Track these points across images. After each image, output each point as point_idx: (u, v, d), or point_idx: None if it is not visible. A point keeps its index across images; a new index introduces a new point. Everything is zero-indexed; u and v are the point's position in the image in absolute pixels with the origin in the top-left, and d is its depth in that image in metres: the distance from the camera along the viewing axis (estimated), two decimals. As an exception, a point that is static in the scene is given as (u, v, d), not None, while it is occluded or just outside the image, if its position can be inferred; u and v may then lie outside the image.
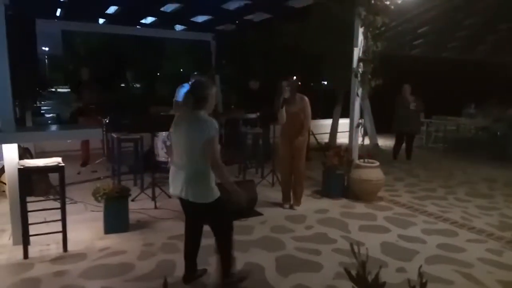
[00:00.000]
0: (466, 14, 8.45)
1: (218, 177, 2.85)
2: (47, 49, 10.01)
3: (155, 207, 4.92)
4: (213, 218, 3.01)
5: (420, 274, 1.73)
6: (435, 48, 11.80)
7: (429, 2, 7.31)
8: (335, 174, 5.59)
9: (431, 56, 12.44)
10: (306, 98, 4.95)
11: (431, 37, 10.40)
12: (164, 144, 6.64)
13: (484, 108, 11.01)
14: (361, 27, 5.43)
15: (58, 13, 7.80)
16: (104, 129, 6.40)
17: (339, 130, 10.00)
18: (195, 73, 5.87)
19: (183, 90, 5.70)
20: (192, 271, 3.17)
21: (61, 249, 3.65)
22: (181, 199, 2.96)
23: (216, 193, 2.89)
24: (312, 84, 13.70)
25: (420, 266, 1.99)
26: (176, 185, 2.93)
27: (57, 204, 3.73)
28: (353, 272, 1.77)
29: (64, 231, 3.64)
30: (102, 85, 7.14)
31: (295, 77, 5.28)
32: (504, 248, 3.99)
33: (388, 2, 5.24)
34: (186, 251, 3.16)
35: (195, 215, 3.07)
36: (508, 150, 8.61)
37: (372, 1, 5.24)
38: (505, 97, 10.49)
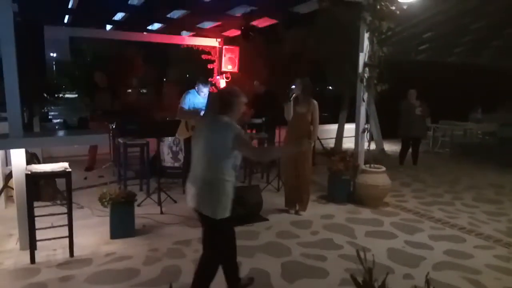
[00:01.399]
0: (472, 19, 8.43)
1: (270, 158, 2.76)
2: (55, 55, 10.10)
3: (161, 212, 4.93)
4: (213, 236, 2.77)
5: (428, 281, 1.72)
6: (441, 53, 11.77)
7: (435, 7, 7.30)
8: (341, 179, 5.57)
9: (437, 61, 12.40)
10: (315, 102, 4.96)
11: (437, 42, 10.37)
12: (170, 149, 6.68)
13: (491, 113, 10.95)
14: (367, 32, 5.43)
15: (66, 20, 7.90)
16: (111, 134, 6.46)
17: (345, 135, 9.97)
18: (201, 78, 5.89)
19: (189, 97, 5.73)
20: (235, 282, 2.97)
21: (67, 254, 3.67)
22: (196, 212, 2.76)
23: (227, 212, 2.66)
24: (317, 89, 13.70)
25: (428, 273, 1.98)
26: (189, 194, 2.75)
27: (63, 209, 3.76)
28: (359, 279, 1.76)
29: (70, 236, 3.66)
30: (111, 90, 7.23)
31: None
32: (512, 254, 3.94)
33: (393, 7, 5.24)
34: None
35: (205, 230, 2.81)
36: None
37: (378, 6, 5.25)
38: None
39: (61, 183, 4.32)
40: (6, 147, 4.17)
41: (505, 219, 5.06)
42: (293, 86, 4.95)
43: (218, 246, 2.78)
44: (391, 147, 10.46)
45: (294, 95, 4.89)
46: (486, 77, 12.93)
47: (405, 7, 5.34)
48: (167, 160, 6.67)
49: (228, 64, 9.34)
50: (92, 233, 4.22)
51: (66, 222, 3.65)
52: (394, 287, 1.90)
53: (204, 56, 9.73)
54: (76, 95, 10.75)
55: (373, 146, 6.28)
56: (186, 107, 5.65)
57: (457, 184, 6.92)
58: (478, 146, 10.32)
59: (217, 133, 2.63)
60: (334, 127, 10.23)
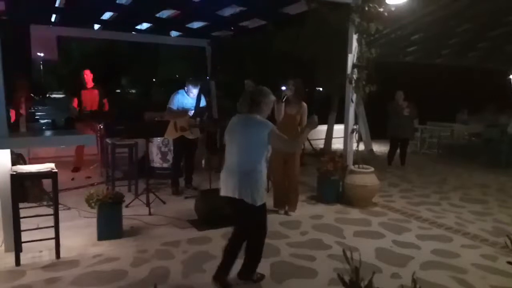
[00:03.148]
0: (459, 21, 8.53)
1: (298, 147, 3.30)
2: (42, 54, 9.97)
3: (149, 213, 4.89)
4: (253, 220, 3.06)
5: (414, 280, 1.74)
6: (428, 55, 11.88)
7: (423, 10, 7.38)
8: (330, 180, 5.59)
9: (424, 63, 12.53)
10: (305, 104, 4.99)
11: (424, 44, 10.47)
12: (159, 150, 6.64)
13: (477, 114, 11.11)
14: (355, 33, 5.47)
15: (53, 19, 7.79)
16: (99, 135, 6.39)
17: (334, 136, 10.02)
18: (190, 78, 5.85)
19: (177, 97, 5.69)
20: (225, 273, 3.10)
21: (53, 256, 3.61)
22: (230, 201, 3.00)
23: (263, 198, 3.00)
24: (307, 90, 13.79)
25: (414, 272, 2.00)
26: (227, 185, 2.99)
27: (50, 211, 3.71)
28: (347, 278, 1.76)
29: (56, 238, 3.61)
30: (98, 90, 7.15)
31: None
32: (498, 253, 3.99)
33: (382, 9, 5.29)
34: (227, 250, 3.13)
35: (241, 215, 3.08)
36: (500, 156, 8.66)
37: (366, 8, 5.29)
38: (498, 104, 10.60)
39: (47, 184, 4.26)
40: (-9, 147, 4.10)
41: (491, 219, 5.13)
42: (284, 87, 4.97)
43: (261, 225, 3.13)
44: (380, 148, 10.54)
45: (285, 96, 4.91)
46: (473, 79, 13.14)
47: (393, 9, 5.39)
48: (156, 160, 6.65)
49: (218, 64, 9.32)
50: (79, 234, 4.16)
51: (52, 224, 3.60)
52: (382, 286, 1.92)
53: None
54: (64, 95, 10.65)
55: (361, 146, 6.33)
56: (174, 107, 5.61)
57: (444, 185, 7.00)
58: (465, 147, 10.45)
59: (254, 130, 2.94)
60: (323, 128, 10.28)
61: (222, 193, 3.07)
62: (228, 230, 4.37)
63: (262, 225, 3.16)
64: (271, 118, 4.99)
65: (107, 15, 7.55)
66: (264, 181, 3.01)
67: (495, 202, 5.93)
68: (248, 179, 2.92)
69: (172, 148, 6.22)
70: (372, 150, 9.71)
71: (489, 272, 3.58)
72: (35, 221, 3.68)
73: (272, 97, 3.11)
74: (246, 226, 3.11)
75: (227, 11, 7.05)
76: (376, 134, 10.01)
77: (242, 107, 3.06)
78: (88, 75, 6.98)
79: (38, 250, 3.70)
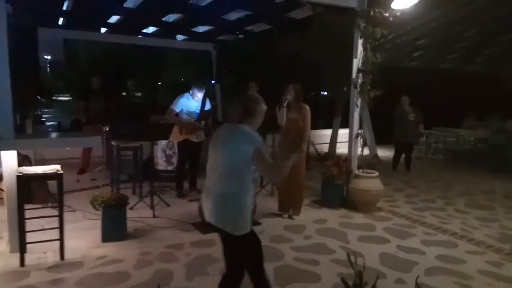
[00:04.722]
0: (465, 26, 8.52)
1: (283, 176, 2.49)
2: (49, 57, 10.06)
3: (153, 216, 4.90)
4: (232, 253, 2.55)
5: (417, 285, 1.73)
6: (434, 60, 11.87)
7: (428, 15, 7.38)
8: (334, 184, 5.58)
9: (430, 68, 12.52)
10: (307, 107, 4.99)
11: (430, 48, 10.46)
12: (164, 153, 6.66)
13: (483, 120, 11.05)
14: (361, 38, 5.47)
15: (60, 22, 7.87)
16: (104, 137, 6.42)
17: (338, 140, 10.01)
18: (196, 82, 5.87)
19: (182, 100, 5.72)
20: None
21: (58, 257, 3.63)
22: (212, 228, 2.53)
23: (246, 227, 2.44)
24: (311, 94, 13.79)
25: (417, 277, 1.99)
26: (206, 208, 2.53)
27: (55, 212, 3.72)
28: (351, 283, 1.76)
29: (61, 239, 3.63)
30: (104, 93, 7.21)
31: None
32: (503, 260, 3.96)
33: (387, 14, 5.29)
34: None
35: (224, 245, 2.59)
36: (506, 162, 8.60)
37: (372, 13, 5.30)
38: (504, 109, 10.52)
39: (53, 185, 4.29)
40: (-3, 149, 4.13)
41: (497, 225, 5.09)
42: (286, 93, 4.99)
43: (238, 262, 2.58)
44: (385, 153, 10.50)
45: (286, 101, 4.93)
46: (479, 84, 13.07)
47: (398, 14, 5.39)
48: (161, 163, 6.67)
49: (223, 68, 9.34)
50: (83, 236, 4.18)
51: (57, 225, 3.62)
52: (386, 292, 1.92)
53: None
54: (70, 98, 10.73)
55: (366, 151, 6.31)
56: (176, 109, 5.65)
57: (449, 190, 6.96)
58: (471, 153, 10.39)
59: (238, 144, 2.43)
60: (328, 132, 10.27)
61: (205, 217, 2.56)
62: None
63: (238, 263, 2.57)
64: (274, 123, 5.04)
65: (114, 19, 7.62)
66: (249, 207, 2.45)
67: (501, 208, 5.88)
68: (226, 203, 2.41)
69: (176, 151, 6.23)
70: (377, 155, 9.68)
71: (494, 278, 3.54)
72: (40, 222, 3.70)
73: (264, 106, 2.64)
74: (233, 259, 2.58)
75: (233, 15, 7.09)
76: (381, 139, 9.98)
77: (233, 116, 2.58)
78: (96, 79, 7.08)
79: (42, 251, 3.71)
